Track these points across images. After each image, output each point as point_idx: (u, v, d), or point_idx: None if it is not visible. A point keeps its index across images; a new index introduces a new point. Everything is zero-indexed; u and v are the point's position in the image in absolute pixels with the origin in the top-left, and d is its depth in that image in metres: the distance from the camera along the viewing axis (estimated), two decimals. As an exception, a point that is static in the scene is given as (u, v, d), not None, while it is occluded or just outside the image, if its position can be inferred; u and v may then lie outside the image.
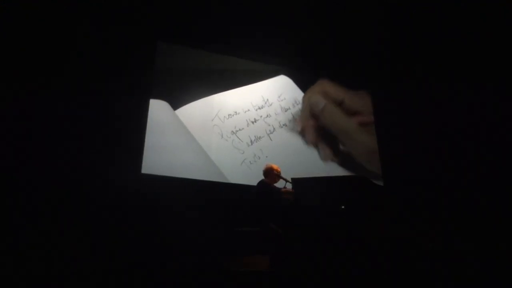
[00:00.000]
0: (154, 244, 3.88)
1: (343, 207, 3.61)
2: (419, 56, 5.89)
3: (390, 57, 6.02)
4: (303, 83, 5.92)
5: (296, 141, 5.59)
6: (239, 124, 5.40)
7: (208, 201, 4.52)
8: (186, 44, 5.47)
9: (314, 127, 5.60)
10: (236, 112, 5.47)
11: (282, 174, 4.18)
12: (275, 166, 4.18)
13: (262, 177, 4.18)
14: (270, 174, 4.14)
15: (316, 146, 5.58)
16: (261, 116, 5.59)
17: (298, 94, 5.87)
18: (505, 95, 5.11)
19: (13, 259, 3.40)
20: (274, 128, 5.59)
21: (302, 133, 5.61)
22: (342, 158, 5.59)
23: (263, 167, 4.25)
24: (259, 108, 5.63)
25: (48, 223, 3.72)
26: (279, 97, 5.79)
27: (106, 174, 4.23)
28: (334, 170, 5.46)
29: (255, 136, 5.41)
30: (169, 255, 3.80)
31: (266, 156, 5.27)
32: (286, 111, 5.74)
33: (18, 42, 4.36)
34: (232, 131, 5.31)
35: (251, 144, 5.34)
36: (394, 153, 5.49)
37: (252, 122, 5.50)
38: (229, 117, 5.38)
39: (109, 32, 4.83)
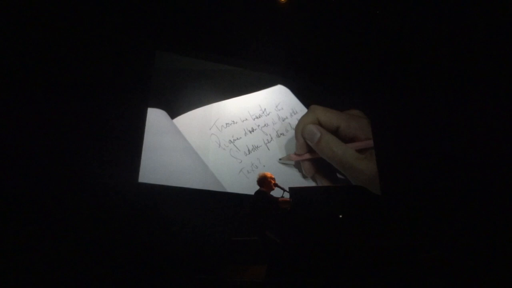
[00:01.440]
0: (151, 252, 3.86)
1: (340, 216, 3.60)
2: (413, 70, 5.98)
3: (382, 73, 6.08)
4: (300, 93, 5.95)
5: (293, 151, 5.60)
6: (236, 133, 5.41)
7: (205, 210, 4.51)
8: (184, 53, 5.51)
9: (310, 159, 5.36)
10: (233, 121, 5.47)
11: (279, 183, 4.15)
12: (268, 174, 4.14)
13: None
14: (266, 182, 4.10)
15: (313, 178, 5.36)
16: (258, 126, 5.59)
17: (296, 103, 5.89)
18: (503, 113, 5.17)
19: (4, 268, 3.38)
20: (271, 138, 5.59)
21: (298, 166, 5.41)
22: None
23: (257, 176, 4.22)
24: (257, 118, 5.64)
25: (44, 232, 3.70)
26: (276, 106, 5.81)
27: (104, 183, 4.23)
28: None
29: (252, 146, 5.41)
30: (166, 263, 3.78)
31: (264, 165, 5.27)
32: (283, 120, 5.75)
33: (18, 50, 4.39)
34: (230, 140, 5.32)
35: (249, 153, 5.34)
36: (391, 163, 5.51)
37: (250, 132, 5.51)
38: (226, 126, 5.39)
39: (109, 41, 4.87)
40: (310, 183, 5.34)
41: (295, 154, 5.41)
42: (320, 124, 5.37)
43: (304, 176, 5.38)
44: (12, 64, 4.33)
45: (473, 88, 5.44)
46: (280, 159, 5.42)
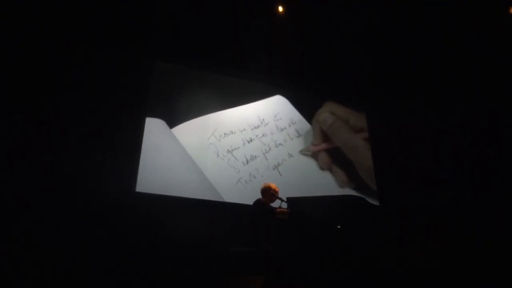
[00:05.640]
0: (148, 263, 3.82)
1: (338, 226, 3.58)
2: (412, 77, 6.04)
3: (385, 79, 6.15)
4: (299, 104, 6.01)
5: (292, 161, 5.60)
6: (234, 143, 5.41)
7: (203, 220, 4.47)
8: (183, 63, 5.53)
9: (326, 150, 5.84)
10: (232, 131, 5.48)
11: (280, 194, 4.13)
12: (273, 186, 4.12)
13: (257, 197, 4.13)
14: (267, 193, 4.09)
15: (330, 170, 5.77)
16: (256, 136, 5.60)
17: (294, 114, 5.93)
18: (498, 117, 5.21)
19: None
20: (269, 148, 5.60)
21: (315, 157, 5.79)
22: (356, 182, 5.80)
23: (261, 186, 4.22)
24: (255, 128, 5.65)
25: (41, 240, 3.67)
26: (275, 116, 5.83)
27: (101, 192, 4.20)
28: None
29: (250, 156, 5.41)
30: (163, 274, 3.74)
31: (262, 176, 5.26)
32: (282, 130, 5.77)
33: (19, 59, 4.41)
34: (228, 150, 5.31)
35: (247, 163, 5.34)
36: (389, 172, 5.53)
37: (248, 142, 5.51)
38: (225, 136, 5.39)
39: (108, 50, 4.89)
40: (307, 171, 5.67)
41: (313, 144, 5.86)
42: (333, 113, 6.08)
43: (320, 168, 5.74)
44: (8, 72, 4.34)
45: (471, 93, 5.52)
46: (300, 151, 5.79)
